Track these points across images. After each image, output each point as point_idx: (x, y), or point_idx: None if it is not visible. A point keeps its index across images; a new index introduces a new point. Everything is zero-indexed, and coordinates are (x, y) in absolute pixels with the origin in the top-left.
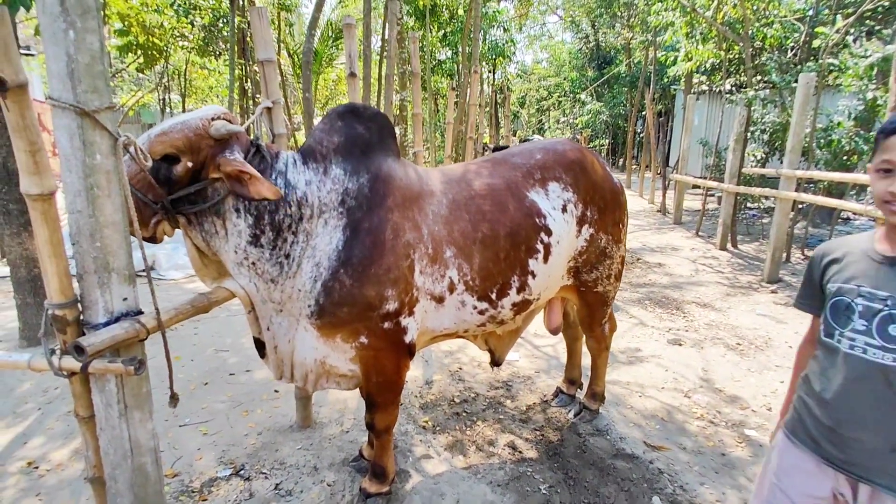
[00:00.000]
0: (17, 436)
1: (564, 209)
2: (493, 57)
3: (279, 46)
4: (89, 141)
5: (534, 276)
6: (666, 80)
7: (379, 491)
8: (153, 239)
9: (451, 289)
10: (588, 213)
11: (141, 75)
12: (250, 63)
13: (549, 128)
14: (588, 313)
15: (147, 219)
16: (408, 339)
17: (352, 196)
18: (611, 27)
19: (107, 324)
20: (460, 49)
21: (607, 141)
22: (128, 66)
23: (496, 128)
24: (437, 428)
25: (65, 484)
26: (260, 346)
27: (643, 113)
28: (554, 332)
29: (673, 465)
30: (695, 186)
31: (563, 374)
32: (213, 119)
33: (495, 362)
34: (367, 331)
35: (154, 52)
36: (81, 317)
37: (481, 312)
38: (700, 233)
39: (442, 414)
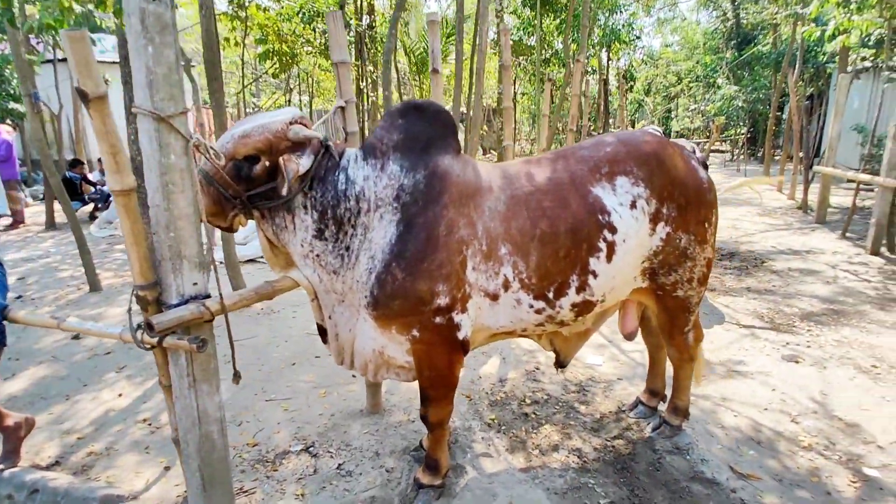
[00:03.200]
0: (143, 393)
1: (634, 205)
2: (609, 42)
3: (395, 46)
4: (165, 143)
5: (595, 276)
6: (822, 57)
7: (431, 483)
8: (230, 229)
9: (506, 286)
10: (664, 211)
11: (276, 80)
12: (366, 64)
13: (677, 116)
14: (667, 320)
15: (227, 212)
16: (461, 335)
17: (407, 192)
18: (753, 1)
19: (177, 305)
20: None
21: (745, 129)
22: (267, 71)
23: (605, 118)
24: (503, 427)
25: (167, 441)
26: (323, 332)
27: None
28: (628, 337)
29: (760, 498)
30: (849, 181)
31: (645, 384)
32: (290, 123)
33: (560, 363)
34: (419, 324)
35: (287, 58)
36: (161, 297)
37: (538, 312)
38: (848, 234)
39: (510, 413)
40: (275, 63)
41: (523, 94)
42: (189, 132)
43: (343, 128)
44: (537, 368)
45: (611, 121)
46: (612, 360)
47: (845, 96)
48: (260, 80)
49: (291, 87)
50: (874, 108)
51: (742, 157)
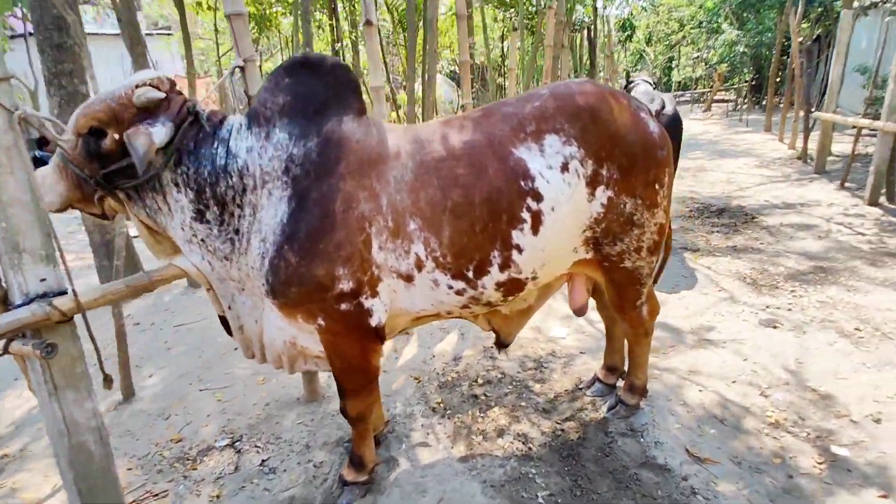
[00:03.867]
0: None
1: (565, 167)
2: None
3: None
4: None
5: (520, 250)
6: None
7: (356, 480)
8: (105, 216)
9: (419, 266)
10: (604, 172)
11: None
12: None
13: (678, 66)
14: (617, 293)
15: (89, 195)
16: (373, 321)
17: (297, 163)
18: None
19: (21, 305)
20: None
21: (750, 77)
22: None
23: (592, 73)
24: (448, 411)
25: None
26: (226, 324)
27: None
28: (577, 312)
29: (714, 485)
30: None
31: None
32: (137, 86)
33: (501, 343)
34: (324, 313)
35: (265, 21)
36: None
37: (459, 293)
38: (847, 184)
39: (458, 396)
40: (252, 28)
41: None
42: (15, 103)
43: (245, 92)
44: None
45: (600, 74)
46: (578, 332)
47: (848, 35)
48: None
49: (273, 52)
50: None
51: (746, 106)
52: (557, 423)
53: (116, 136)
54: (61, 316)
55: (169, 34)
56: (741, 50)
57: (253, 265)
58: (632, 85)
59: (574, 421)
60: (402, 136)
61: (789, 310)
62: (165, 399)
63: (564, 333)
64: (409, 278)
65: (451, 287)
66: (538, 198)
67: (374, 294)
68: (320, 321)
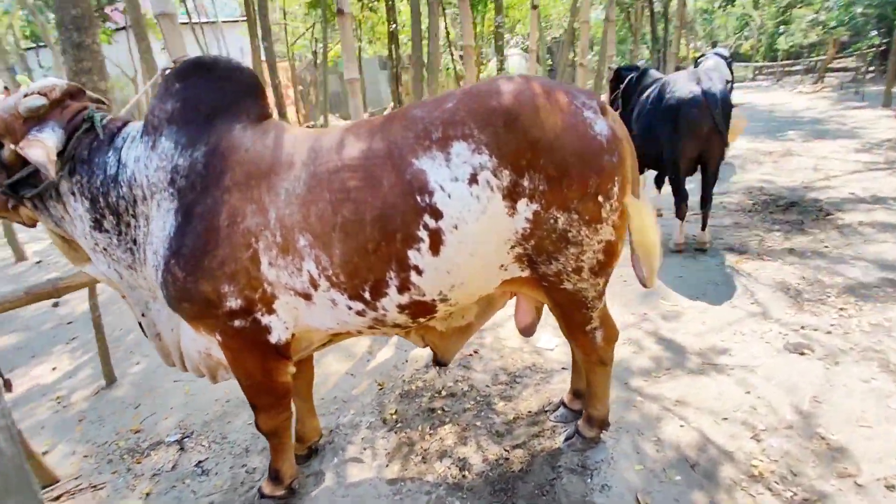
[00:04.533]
0: (73, 368)
1: (474, 179)
2: None
3: None
4: None
5: (419, 272)
6: None
7: (272, 494)
8: (26, 224)
9: (314, 284)
10: (526, 183)
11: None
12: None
13: (787, 32)
14: (561, 316)
15: (2, 204)
16: (273, 339)
17: (182, 174)
18: None
19: None
20: None
21: (877, 41)
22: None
23: (662, 51)
24: (399, 424)
25: (63, 422)
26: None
27: None
28: (523, 332)
29: None
30: None
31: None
32: (26, 95)
33: (438, 362)
34: (219, 329)
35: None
36: None
37: (360, 314)
38: None
39: (416, 407)
40: (317, 10)
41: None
42: None
43: None
44: (476, 352)
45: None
46: (568, 345)
47: None
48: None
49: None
50: None
51: (869, 75)
52: (506, 449)
53: (13, 147)
54: None
55: (242, 19)
56: (859, 11)
57: (150, 276)
58: (701, 60)
59: (524, 449)
60: (301, 144)
61: (828, 332)
62: (141, 388)
63: (553, 345)
64: (307, 296)
65: (350, 307)
66: (437, 215)
67: (271, 311)
68: (218, 336)
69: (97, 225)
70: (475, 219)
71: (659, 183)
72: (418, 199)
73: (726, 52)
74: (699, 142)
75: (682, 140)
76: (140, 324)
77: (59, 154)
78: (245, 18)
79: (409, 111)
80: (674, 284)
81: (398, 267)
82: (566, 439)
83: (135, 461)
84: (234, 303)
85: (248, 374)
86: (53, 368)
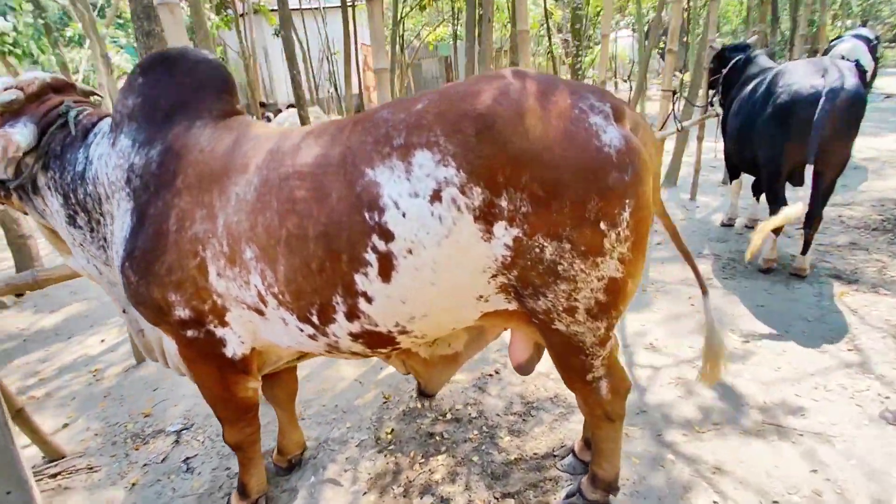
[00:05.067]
0: (119, 342)
1: (437, 197)
2: None
3: None
4: None
5: (368, 300)
6: None
7: None
8: (25, 213)
9: (263, 300)
10: (504, 204)
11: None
12: None
13: None
14: (557, 360)
15: None
16: (229, 352)
17: (137, 173)
18: None
19: None
20: None
21: None
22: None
23: (774, 25)
24: (391, 446)
25: (93, 395)
26: None
27: None
28: (518, 370)
29: None
30: None
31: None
32: (4, 89)
33: (423, 393)
34: (174, 336)
35: None
36: None
37: (312, 338)
38: None
39: (414, 429)
40: None
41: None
42: None
43: None
44: (496, 373)
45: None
46: None
47: None
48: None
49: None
50: None
51: None
52: (496, 496)
53: None
54: None
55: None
56: None
57: (117, 276)
58: (835, 43)
59: (516, 500)
60: (262, 145)
61: None
62: (162, 371)
63: None
64: (259, 311)
65: (301, 330)
66: (387, 236)
67: (223, 324)
68: (175, 344)
69: (71, 220)
70: (436, 243)
71: (757, 191)
72: (366, 216)
73: (871, 34)
74: (813, 148)
75: (791, 144)
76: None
77: (35, 148)
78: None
79: (376, 111)
80: (751, 314)
81: (345, 292)
82: (566, 496)
83: (134, 447)
84: (182, 312)
85: (206, 385)
86: (102, 340)
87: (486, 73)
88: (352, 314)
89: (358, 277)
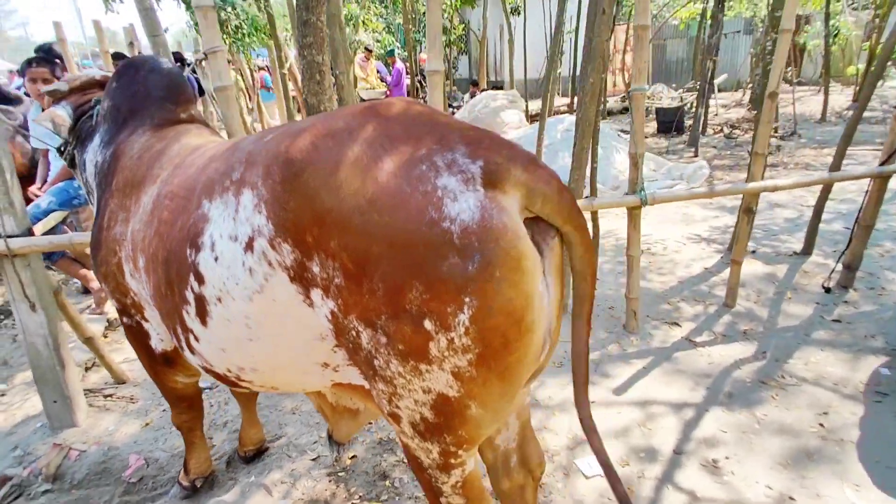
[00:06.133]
0: None
1: (250, 246)
2: None
3: None
4: None
5: (196, 338)
6: None
7: (181, 482)
8: None
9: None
10: (316, 270)
11: None
12: None
13: None
14: (412, 468)
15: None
16: (153, 345)
17: (98, 171)
18: None
19: None
20: None
21: None
22: None
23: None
24: (341, 474)
25: None
26: None
27: None
28: None
29: None
30: None
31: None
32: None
33: (331, 437)
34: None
35: None
36: None
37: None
38: None
39: (374, 465)
40: None
41: None
42: None
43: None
44: None
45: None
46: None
47: None
48: None
49: None
50: None
51: None
52: None
53: None
54: (7, 251)
55: None
56: None
57: None
58: None
59: None
60: (173, 159)
61: None
62: None
63: (592, 472)
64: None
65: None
66: (199, 279)
67: (145, 319)
68: None
69: (91, 196)
70: (247, 297)
71: None
72: (188, 252)
73: None
74: None
75: None
76: None
77: (71, 130)
78: None
79: (247, 137)
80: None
81: (181, 323)
82: None
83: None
84: (115, 302)
85: (144, 367)
86: None
87: (371, 102)
88: (189, 347)
89: (184, 313)
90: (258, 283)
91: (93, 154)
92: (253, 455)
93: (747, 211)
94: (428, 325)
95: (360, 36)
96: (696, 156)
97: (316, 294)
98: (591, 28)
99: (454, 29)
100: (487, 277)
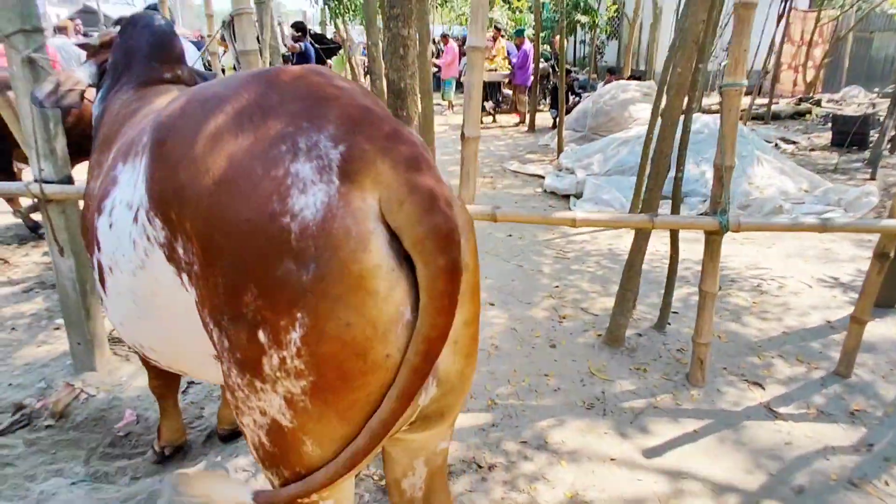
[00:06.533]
0: None
1: (136, 217)
2: None
3: None
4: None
5: (104, 306)
6: None
7: (153, 447)
8: None
9: None
10: (180, 251)
11: None
12: None
13: None
14: None
15: None
16: None
17: (94, 125)
18: None
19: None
20: None
21: None
22: None
23: None
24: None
25: None
26: None
27: None
28: None
29: None
30: None
31: None
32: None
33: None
34: None
35: None
36: None
37: None
38: None
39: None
40: None
41: None
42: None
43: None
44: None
45: None
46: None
47: None
48: None
49: None
50: None
51: None
52: None
53: None
54: (41, 195)
55: None
56: None
57: None
58: None
59: None
60: (139, 120)
61: None
62: None
63: None
64: None
65: None
66: (97, 245)
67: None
68: None
69: None
70: (131, 271)
71: None
72: (95, 215)
73: None
74: None
75: None
76: None
77: (93, 85)
78: None
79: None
80: None
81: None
82: None
83: None
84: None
85: None
86: None
87: (270, 68)
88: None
89: (96, 279)
90: (140, 258)
91: (96, 110)
92: (228, 434)
93: (880, 256)
94: (262, 336)
95: (494, 14)
96: (872, 178)
97: (185, 279)
98: (686, 6)
99: (607, 10)
100: (321, 294)
